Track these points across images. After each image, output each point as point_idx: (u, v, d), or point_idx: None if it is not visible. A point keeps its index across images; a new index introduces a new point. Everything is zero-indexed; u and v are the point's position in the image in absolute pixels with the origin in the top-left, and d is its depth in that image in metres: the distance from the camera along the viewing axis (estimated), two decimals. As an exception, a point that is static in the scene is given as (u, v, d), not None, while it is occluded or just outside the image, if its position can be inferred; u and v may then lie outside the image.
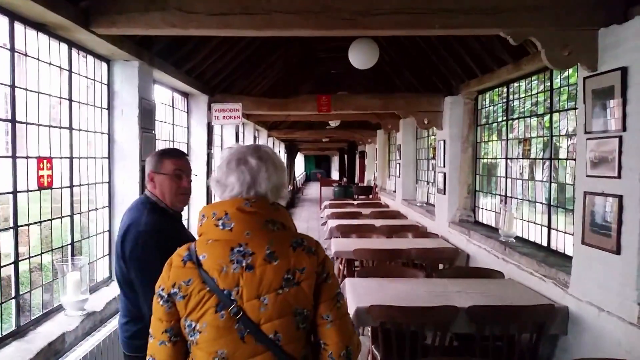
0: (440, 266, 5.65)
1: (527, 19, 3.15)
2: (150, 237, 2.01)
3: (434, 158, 8.79)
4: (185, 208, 5.52)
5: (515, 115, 5.58)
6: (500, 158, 5.90)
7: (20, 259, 3.15)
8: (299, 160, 35.37)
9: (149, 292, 1.92)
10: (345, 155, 25.97)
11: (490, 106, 6.26)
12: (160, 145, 5.74)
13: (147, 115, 4.61)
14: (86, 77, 4.16)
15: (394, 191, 12.29)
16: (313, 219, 15.36)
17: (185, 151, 6.79)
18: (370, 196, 14.85)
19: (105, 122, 4.46)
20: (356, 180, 21.58)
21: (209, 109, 6.85)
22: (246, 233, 1.41)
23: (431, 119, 6.92)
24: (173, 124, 6.28)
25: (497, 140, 6.06)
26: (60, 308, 3.62)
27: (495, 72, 5.45)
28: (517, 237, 5.13)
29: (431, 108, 6.89)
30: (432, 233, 6.82)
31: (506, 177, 5.69)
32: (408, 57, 7.30)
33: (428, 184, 9.22)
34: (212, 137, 7.14)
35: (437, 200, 7.26)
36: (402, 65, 7.65)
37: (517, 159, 5.54)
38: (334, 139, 19.63)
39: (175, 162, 2.16)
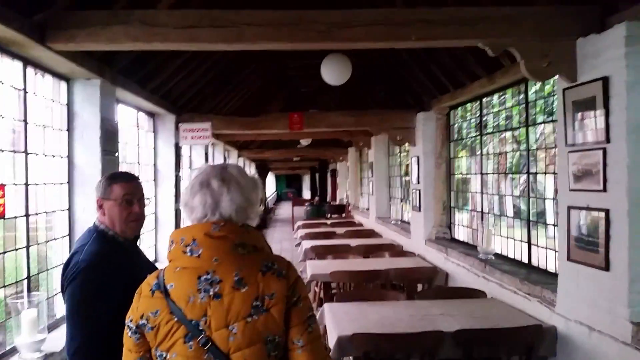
0: (420, 286, 5.51)
1: (506, 30, 3.09)
2: (92, 270, 1.84)
3: (407, 175, 8.74)
4: (153, 233, 5.18)
5: (489, 130, 5.55)
6: (475, 173, 5.84)
7: (-35, 297, 2.83)
8: (270, 180, 35.09)
9: (73, 327, 1.79)
10: (317, 174, 25.78)
11: (462, 121, 6.22)
12: (124, 169, 5.47)
13: (109, 136, 4.36)
14: (44, 97, 3.90)
15: (367, 209, 12.18)
16: (286, 239, 15.08)
17: (152, 173, 6.53)
18: (344, 215, 14.72)
19: (64, 145, 4.18)
20: (328, 198, 21.44)
21: (177, 129, 6.61)
22: (214, 259, 1.36)
23: (404, 136, 6.85)
24: (138, 146, 6.00)
25: (470, 156, 6.01)
26: (14, 350, 3.28)
27: (468, 86, 5.41)
28: (496, 254, 5.03)
29: (404, 124, 6.82)
30: (409, 252, 6.69)
31: (482, 193, 5.62)
32: (379, 74, 7.25)
33: (402, 201, 9.14)
34: (180, 159, 6.88)
35: (412, 218, 7.15)
36: (374, 81, 7.60)
37: (492, 174, 5.48)
38: (305, 158, 19.48)
39: (124, 186, 2.00)
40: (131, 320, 1.40)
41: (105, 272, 1.85)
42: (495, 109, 5.38)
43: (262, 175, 23.00)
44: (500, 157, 5.23)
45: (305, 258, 7.60)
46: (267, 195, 26.27)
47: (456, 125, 6.41)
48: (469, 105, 5.99)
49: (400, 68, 6.49)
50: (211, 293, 1.34)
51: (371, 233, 9.20)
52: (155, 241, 6.60)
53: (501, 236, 5.14)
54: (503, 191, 5.34)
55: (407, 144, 7.30)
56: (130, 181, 2.05)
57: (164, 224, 6.62)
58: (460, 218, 6.35)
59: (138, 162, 6.00)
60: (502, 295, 4.34)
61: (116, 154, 4.54)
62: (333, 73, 5.15)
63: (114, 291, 1.73)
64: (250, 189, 1.49)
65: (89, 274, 1.82)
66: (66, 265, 1.91)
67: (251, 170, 20.28)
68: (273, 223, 21.18)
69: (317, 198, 23.04)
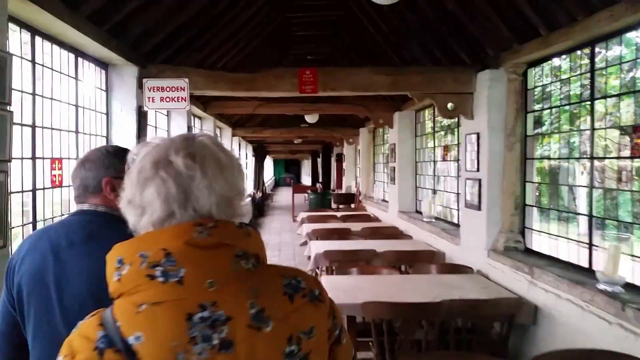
0: (496, 326, 3.64)
1: None
2: None
3: (444, 160, 6.85)
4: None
5: (606, 91, 3.65)
6: (579, 158, 3.95)
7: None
8: (268, 165, 33.08)
9: None
10: (319, 159, 23.91)
11: (553, 81, 4.28)
12: (26, 134, 3.56)
13: (-12, 73, 2.44)
14: None
15: (383, 200, 10.33)
16: (286, 230, 13.25)
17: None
18: (353, 205, 12.82)
19: None
20: (332, 186, 19.54)
21: (141, 86, 4.67)
22: (208, 283, 0.84)
23: (458, 104, 4.92)
24: (77, 106, 4.06)
25: (570, 132, 4.09)
26: None
27: (577, 24, 3.52)
28: (627, 284, 3.18)
29: (458, 88, 4.91)
30: (463, 266, 4.80)
31: (591, 188, 3.72)
32: (424, 20, 5.28)
33: (435, 193, 7.25)
34: (146, 129, 4.94)
35: (464, 218, 5.25)
36: (414, 31, 5.59)
37: (616, 158, 3.59)
38: (308, 140, 17.52)
39: None
40: None
41: None
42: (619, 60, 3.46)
43: (260, 159, 21.13)
44: (637, 133, 3.33)
45: (317, 267, 5.75)
46: (265, 180, 24.32)
47: (539, 89, 4.49)
48: (570, 57, 4.05)
49: (457, 10, 4.55)
50: (215, 342, 0.81)
51: (396, 232, 7.33)
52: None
53: (633, 256, 3.28)
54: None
55: (442, 119, 5.39)
56: None
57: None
58: (544, 224, 4.47)
59: (76, 131, 4.06)
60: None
61: (7, 108, 2.63)
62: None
63: None
64: (235, 170, 0.95)
65: None
66: None
67: (248, 153, 18.31)
68: (271, 211, 19.31)
69: (319, 185, 21.21)
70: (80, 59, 4.04)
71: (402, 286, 4.11)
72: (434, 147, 7.30)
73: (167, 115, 6.95)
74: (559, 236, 4.18)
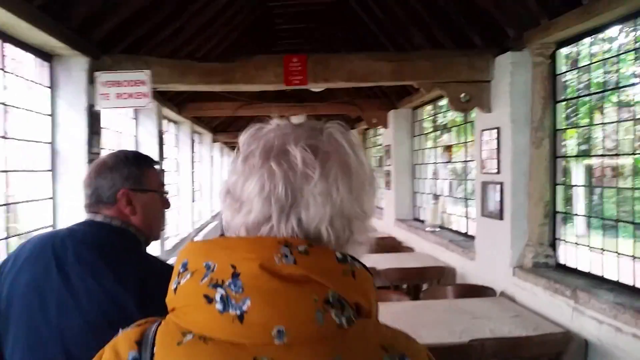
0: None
1: None
2: None
3: (449, 162, 6.13)
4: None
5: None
6: (633, 153, 3.23)
7: None
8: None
9: None
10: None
11: (597, 61, 3.54)
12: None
13: None
14: None
15: (376, 207, 9.59)
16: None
17: (49, 157, 3.82)
18: (343, 212, 12.05)
19: None
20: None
21: (92, 81, 3.86)
22: (277, 332, 0.58)
23: (473, 94, 4.19)
24: (4, 105, 3.23)
25: (618, 122, 3.37)
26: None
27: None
28: None
29: (474, 76, 4.17)
30: (484, 287, 4.04)
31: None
32: (425, 1, 4.54)
33: (437, 198, 6.52)
34: (99, 132, 4.10)
35: (481, 229, 4.50)
36: (414, 15, 4.84)
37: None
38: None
39: (157, 172, 1.44)
40: None
41: None
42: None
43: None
44: None
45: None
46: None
47: (571, 74, 3.77)
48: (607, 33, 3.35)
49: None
50: None
51: (394, 243, 6.60)
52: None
53: None
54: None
55: (443, 112, 4.66)
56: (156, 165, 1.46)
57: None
58: (576, 233, 3.74)
59: (4, 136, 3.23)
60: None
61: None
62: None
63: None
64: (365, 181, 0.70)
65: None
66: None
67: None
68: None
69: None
70: (7, 45, 3.22)
71: (415, 317, 3.34)
72: (436, 147, 6.58)
73: (135, 119, 6.14)
74: (602, 249, 3.45)
